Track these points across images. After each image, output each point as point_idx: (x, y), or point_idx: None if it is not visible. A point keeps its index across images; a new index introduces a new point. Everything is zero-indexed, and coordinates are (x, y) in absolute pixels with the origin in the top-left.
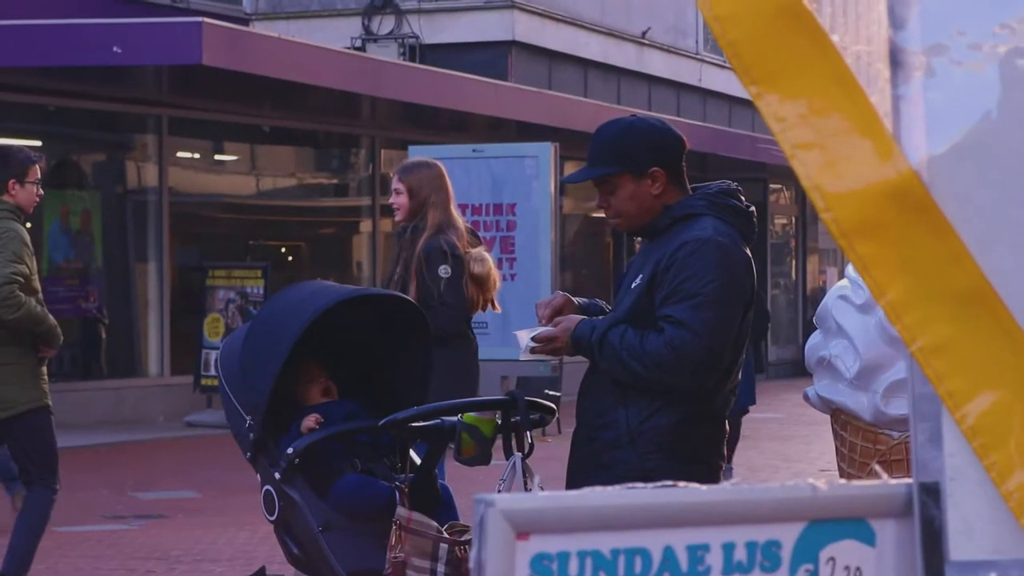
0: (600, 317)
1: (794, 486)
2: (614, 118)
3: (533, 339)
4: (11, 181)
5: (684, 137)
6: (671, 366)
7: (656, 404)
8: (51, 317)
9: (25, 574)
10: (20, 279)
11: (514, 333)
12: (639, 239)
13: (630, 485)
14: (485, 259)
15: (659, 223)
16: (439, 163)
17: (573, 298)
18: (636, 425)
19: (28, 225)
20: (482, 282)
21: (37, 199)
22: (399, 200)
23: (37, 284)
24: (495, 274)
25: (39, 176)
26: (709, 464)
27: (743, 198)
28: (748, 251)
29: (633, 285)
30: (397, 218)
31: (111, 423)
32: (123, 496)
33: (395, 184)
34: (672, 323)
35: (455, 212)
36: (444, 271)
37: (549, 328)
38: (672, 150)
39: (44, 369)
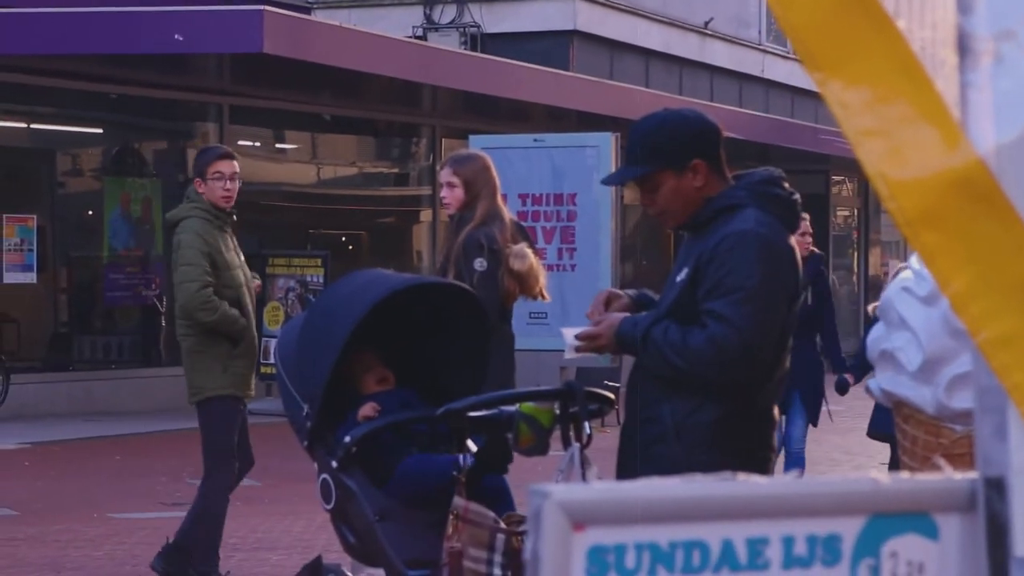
0: (643, 313)
1: (856, 479)
2: (647, 114)
3: (577, 337)
4: (197, 180)
5: (720, 125)
6: (713, 361)
7: (700, 399)
8: (229, 313)
9: (212, 561)
10: (208, 279)
11: (560, 330)
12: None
13: (689, 477)
14: (526, 255)
15: (701, 216)
16: (486, 154)
17: (621, 292)
18: (681, 420)
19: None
20: (522, 278)
21: (225, 192)
22: (454, 193)
23: (230, 279)
24: (537, 270)
25: (227, 169)
26: (757, 458)
27: (786, 185)
28: (792, 241)
29: (677, 279)
30: (449, 211)
31: (170, 410)
32: (181, 483)
33: (448, 177)
34: (714, 318)
35: (501, 204)
36: (480, 264)
37: (593, 328)
38: (710, 140)
39: (244, 360)
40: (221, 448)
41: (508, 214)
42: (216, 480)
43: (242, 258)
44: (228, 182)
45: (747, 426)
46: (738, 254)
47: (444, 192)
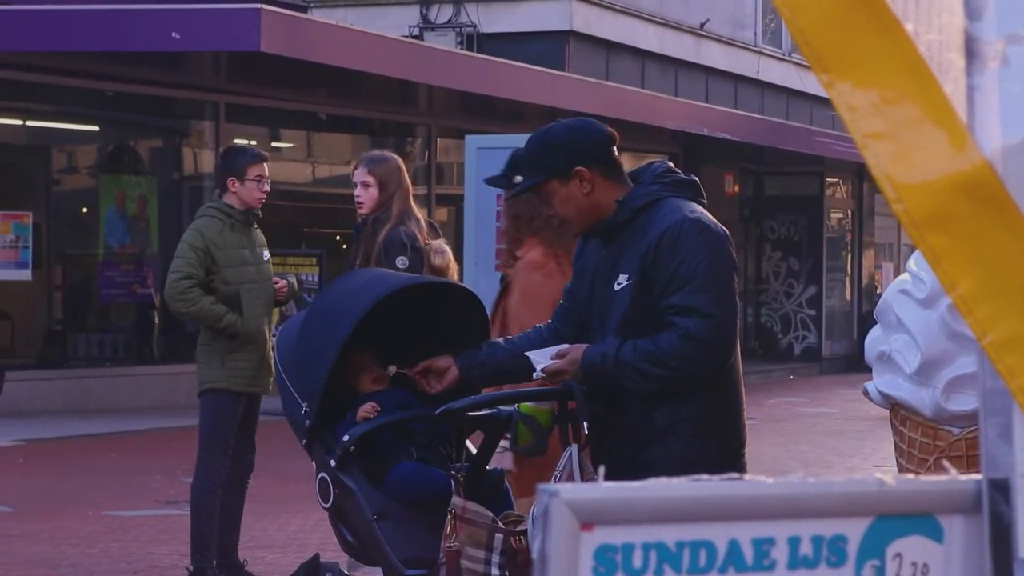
0: (607, 341)
1: (861, 480)
2: (540, 127)
3: (543, 371)
4: (230, 179)
5: (610, 131)
6: (693, 355)
7: (681, 397)
8: (211, 308)
9: (204, 556)
10: (191, 271)
11: (526, 355)
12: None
13: (696, 477)
14: (445, 251)
15: (617, 219)
16: (397, 156)
17: (443, 362)
18: (669, 421)
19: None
20: (441, 274)
21: (261, 195)
22: (368, 193)
23: (231, 276)
24: (454, 267)
25: (262, 173)
26: (739, 442)
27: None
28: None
29: (618, 287)
30: (362, 211)
31: (165, 408)
32: (176, 481)
33: (363, 177)
34: (677, 312)
35: (413, 204)
36: (402, 262)
37: (557, 362)
38: (593, 147)
39: (244, 354)
40: (210, 442)
41: (423, 215)
42: (201, 474)
43: (267, 257)
44: (265, 184)
45: (727, 414)
46: (682, 244)
47: (359, 192)
